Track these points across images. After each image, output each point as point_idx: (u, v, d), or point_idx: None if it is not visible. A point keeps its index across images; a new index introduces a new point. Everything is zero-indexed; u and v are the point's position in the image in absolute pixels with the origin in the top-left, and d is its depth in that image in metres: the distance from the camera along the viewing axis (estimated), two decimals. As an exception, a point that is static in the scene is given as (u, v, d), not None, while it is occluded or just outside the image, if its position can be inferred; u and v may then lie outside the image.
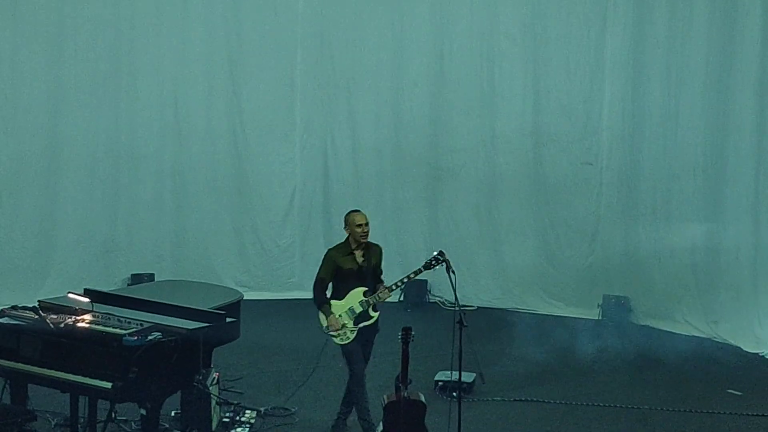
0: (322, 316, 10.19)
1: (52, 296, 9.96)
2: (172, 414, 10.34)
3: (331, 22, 17.04)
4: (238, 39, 16.91)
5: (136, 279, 15.83)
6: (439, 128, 17.03)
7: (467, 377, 11.46)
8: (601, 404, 11.77)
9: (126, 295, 10.22)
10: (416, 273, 10.10)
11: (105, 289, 10.61)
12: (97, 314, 9.09)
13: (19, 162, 15.85)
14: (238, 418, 10.60)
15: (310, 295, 17.04)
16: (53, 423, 10.18)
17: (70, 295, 9.49)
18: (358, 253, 10.25)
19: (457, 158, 16.95)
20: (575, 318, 16.11)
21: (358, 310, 10.08)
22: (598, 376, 12.96)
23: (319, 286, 10.27)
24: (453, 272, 9.76)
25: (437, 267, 10.11)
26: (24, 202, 15.92)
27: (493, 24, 16.63)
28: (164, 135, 16.75)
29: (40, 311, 9.05)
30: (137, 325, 8.80)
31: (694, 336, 15.02)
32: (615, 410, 11.60)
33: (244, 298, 11.14)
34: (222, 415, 10.51)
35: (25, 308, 9.22)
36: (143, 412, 8.61)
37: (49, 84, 16.00)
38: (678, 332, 15.22)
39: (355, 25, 17.00)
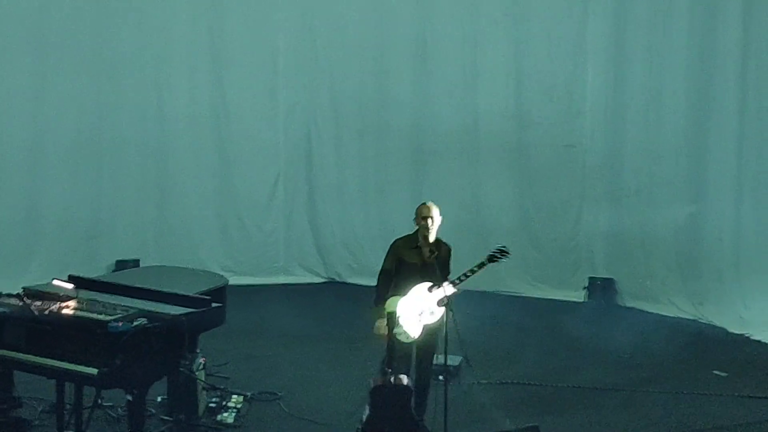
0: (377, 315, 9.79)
1: (36, 283, 9.88)
2: (159, 399, 10.32)
3: (313, 6, 17.01)
4: (221, 24, 16.90)
5: (121, 265, 15.80)
6: (421, 111, 17.03)
7: (453, 361, 11.43)
8: (586, 386, 11.78)
9: (111, 281, 10.19)
10: (480, 267, 9.69)
11: (90, 276, 10.54)
12: (81, 301, 9.05)
13: (2, 149, 15.81)
14: (224, 403, 10.57)
15: (294, 279, 17.39)
16: (39, 409, 10.13)
17: (55, 282, 9.44)
18: (425, 249, 9.79)
19: (440, 141, 16.96)
20: (560, 300, 16.17)
21: (424, 308, 9.65)
22: (583, 359, 12.97)
23: (382, 278, 9.85)
24: (438, 258, 9.71)
25: (501, 261, 9.90)
26: (7, 188, 15.90)
27: (475, 6, 16.62)
28: (147, 121, 16.74)
29: (25, 298, 9.00)
30: (122, 311, 8.75)
31: (679, 317, 15.09)
32: (600, 392, 11.62)
33: (230, 283, 11.09)
34: (208, 400, 10.50)
35: (9, 295, 9.17)
36: (129, 398, 8.58)
37: (32, 70, 15.96)
38: (663, 314, 15.29)
39: (337, 9, 16.99)
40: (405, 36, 16.96)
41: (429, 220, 9.77)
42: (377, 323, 9.74)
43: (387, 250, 9.99)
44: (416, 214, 9.90)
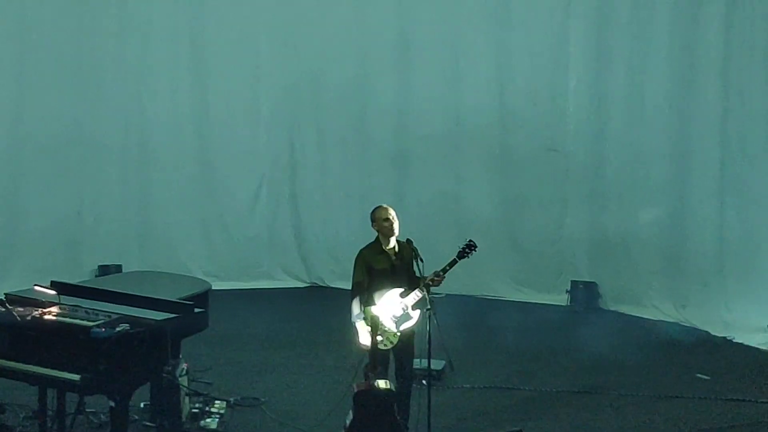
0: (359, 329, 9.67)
1: (18, 289, 9.87)
2: (142, 405, 10.32)
3: (295, 11, 17.02)
4: (202, 30, 16.90)
5: (104, 270, 15.79)
6: (404, 116, 17.08)
7: (436, 365, 11.47)
8: (569, 390, 11.83)
9: (93, 286, 10.14)
10: (451, 265, 9.68)
11: (72, 281, 10.52)
12: (64, 306, 9.03)
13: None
14: (207, 408, 10.57)
15: (277, 284, 17.32)
16: (21, 416, 10.09)
17: (37, 288, 9.43)
18: (391, 252, 9.78)
19: (422, 145, 16.99)
20: (543, 304, 16.22)
21: (399, 313, 9.66)
22: (565, 362, 13.00)
23: (355, 291, 9.73)
24: (421, 260, 9.65)
25: (471, 255, 9.86)
26: (-11, 194, 15.90)
27: (458, 11, 16.64)
28: (129, 126, 16.75)
29: (7, 304, 8.99)
30: (105, 316, 8.74)
31: (662, 320, 15.13)
32: (583, 396, 11.65)
33: (213, 288, 11.09)
34: (191, 405, 10.47)
35: (-8, 302, 9.17)
36: (112, 404, 8.56)
37: (12, 77, 15.98)
38: (646, 317, 15.34)
39: (319, 14, 17.00)
40: (387, 40, 17.01)
41: (391, 222, 9.76)
42: (361, 337, 9.66)
43: (354, 262, 9.90)
44: (374, 218, 9.86)
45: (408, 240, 9.83)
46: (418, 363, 9.90)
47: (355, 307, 9.72)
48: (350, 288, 9.92)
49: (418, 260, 9.63)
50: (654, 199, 15.46)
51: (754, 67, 14.24)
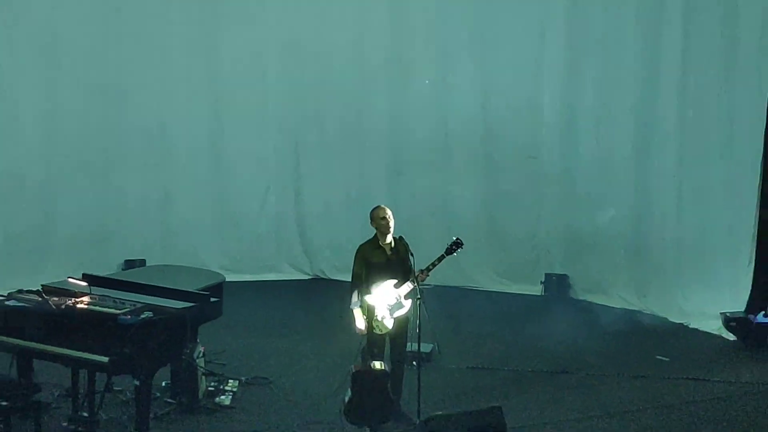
0: (356, 316, 9.91)
1: (53, 281, 9.97)
2: (163, 384, 10.42)
3: (299, 32, 17.01)
4: (216, 48, 16.88)
5: (129, 264, 15.78)
6: (398, 125, 17.10)
7: (425, 348, 11.51)
8: (543, 370, 11.93)
9: (120, 278, 10.23)
10: (439, 260, 9.84)
11: (101, 274, 10.60)
12: (94, 296, 9.12)
13: (22, 162, 15.81)
14: (221, 387, 10.66)
15: (284, 276, 17.34)
16: (56, 394, 10.23)
17: (70, 280, 9.51)
18: (387, 247, 9.91)
19: (414, 152, 17.02)
20: (520, 294, 16.25)
21: (393, 302, 9.79)
22: (540, 346, 13.03)
23: (354, 282, 9.94)
24: (412, 255, 9.77)
25: (458, 251, 10.01)
26: (26, 197, 15.87)
27: (446, 34, 16.68)
28: (151, 136, 16.71)
29: (44, 294, 9.08)
30: (131, 305, 8.86)
31: (626, 309, 15.18)
32: (557, 376, 11.75)
33: (226, 280, 11.19)
34: (208, 384, 10.57)
35: (29, 292, 9.23)
36: (137, 383, 8.67)
37: (47, 91, 15.94)
38: (612, 305, 15.37)
39: (321, 34, 16.97)
40: (383, 57, 17.02)
41: (388, 220, 9.88)
42: (357, 322, 9.87)
43: (353, 256, 10.04)
44: (373, 217, 9.98)
45: (400, 237, 9.97)
46: (410, 346, 10.02)
47: (354, 296, 9.90)
48: (350, 279, 10.07)
49: (410, 255, 9.78)
50: (619, 200, 15.54)
51: (708, 82, 14.23)
